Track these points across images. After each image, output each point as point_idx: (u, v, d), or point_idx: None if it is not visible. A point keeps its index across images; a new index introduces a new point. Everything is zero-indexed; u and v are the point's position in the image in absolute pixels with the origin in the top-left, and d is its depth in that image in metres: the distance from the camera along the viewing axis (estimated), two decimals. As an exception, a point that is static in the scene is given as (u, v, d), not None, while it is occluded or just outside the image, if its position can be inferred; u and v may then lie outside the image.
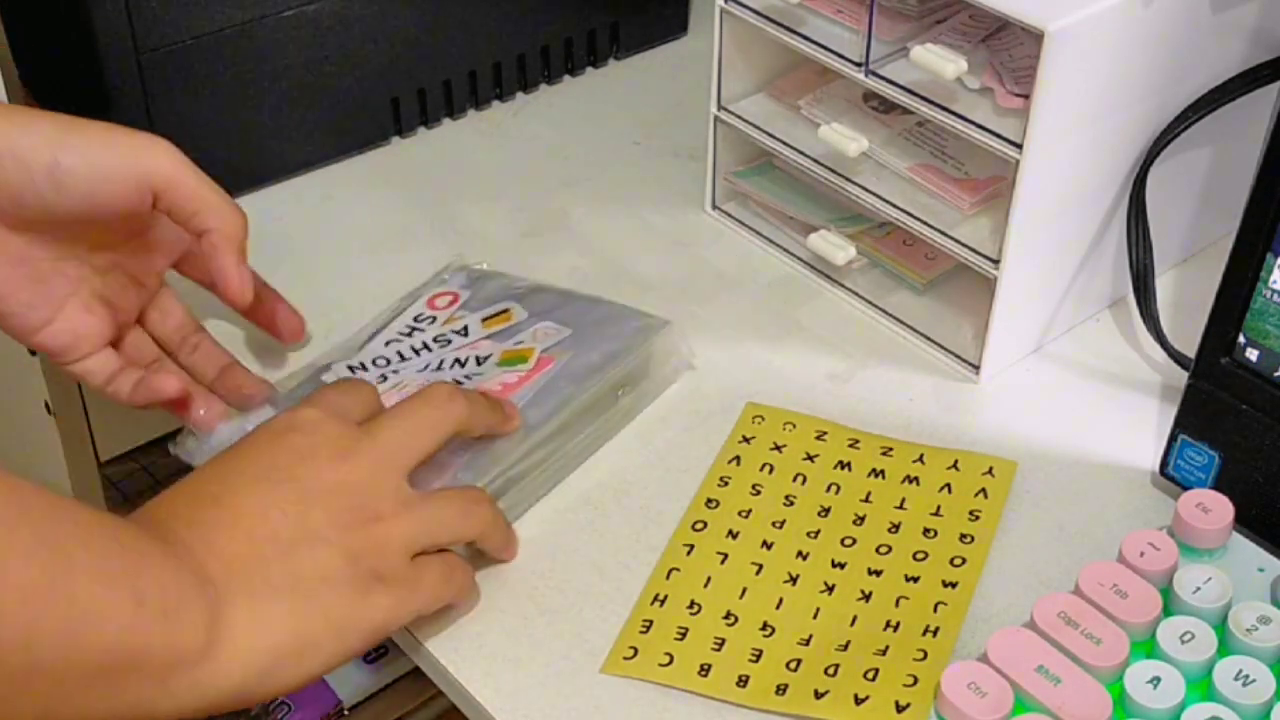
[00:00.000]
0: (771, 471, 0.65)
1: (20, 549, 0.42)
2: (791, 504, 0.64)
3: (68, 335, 0.63)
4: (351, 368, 0.68)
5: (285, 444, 0.54)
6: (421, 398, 0.58)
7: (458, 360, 0.68)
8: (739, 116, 0.76)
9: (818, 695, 0.55)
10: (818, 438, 0.67)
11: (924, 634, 0.58)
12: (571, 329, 0.69)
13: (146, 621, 0.46)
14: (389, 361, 0.68)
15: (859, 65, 0.68)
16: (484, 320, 0.71)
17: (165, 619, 0.47)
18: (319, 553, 0.52)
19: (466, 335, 0.70)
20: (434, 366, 0.68)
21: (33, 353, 0.82)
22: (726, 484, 0.65)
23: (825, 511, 0.63)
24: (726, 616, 0.59)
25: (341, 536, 0.53)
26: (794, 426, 0.67)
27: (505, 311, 0.71)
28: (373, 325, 0.72)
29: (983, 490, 0.64)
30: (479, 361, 0.68)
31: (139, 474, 1.10)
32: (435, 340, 0.70)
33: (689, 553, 0.62)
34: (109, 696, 0.46)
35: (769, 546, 0.62)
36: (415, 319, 0.71)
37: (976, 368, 0.70)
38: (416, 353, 0.69)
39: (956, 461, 0.65)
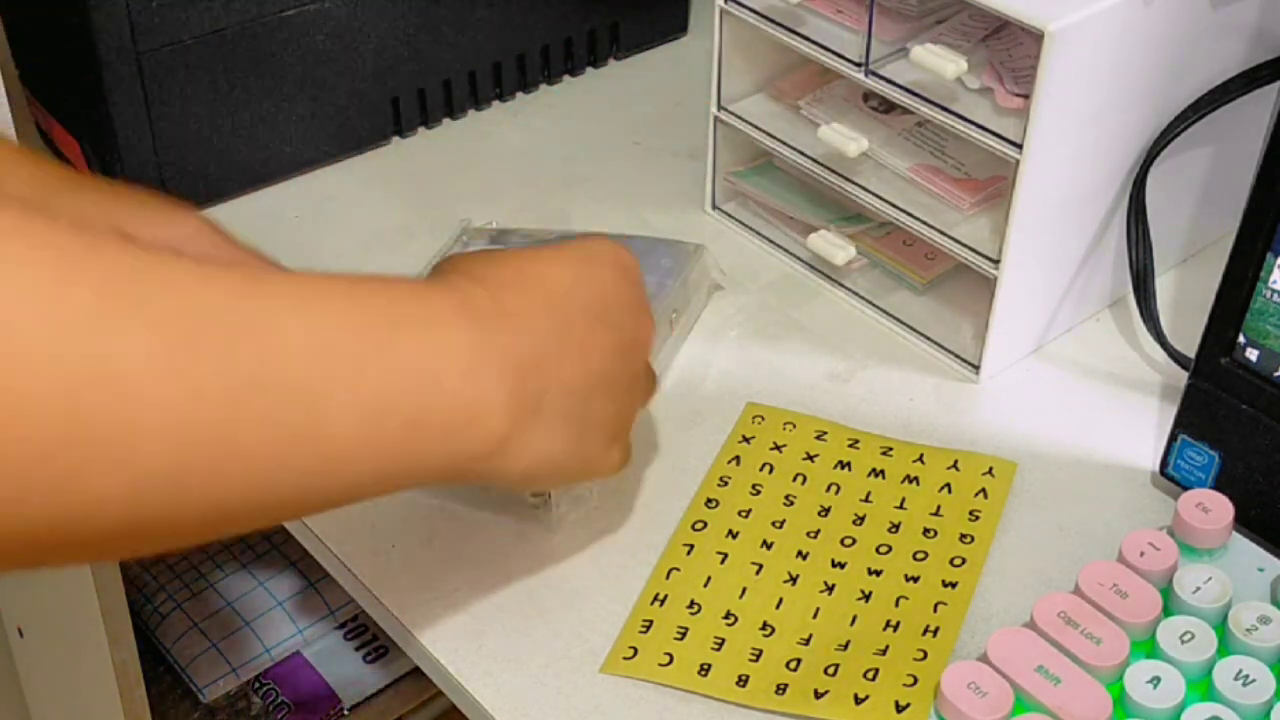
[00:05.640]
0: (771, 471, 0.65)
1: (259, 415, 0.40)
2: (791, 504, 0.64)
3: None
4: None
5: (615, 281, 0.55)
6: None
7: None
8: (739, 116, 0.76)
9: (818, 695, 0.55)
10: (818, 438, 0.67)
11: (924, 634, 0.58)
12: None
13: (427, 441, 0.46)
14: None
15: (859, 65, 0.68)
16: None
17: (451, 433, 0.47)
18: (603, 401, 0.54)
19: None
20: None
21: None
22: (726, 484, 0.65)
23: (825, 511, 0.63)
24: (726, 616, 0.59)
25: (620, 398, 0.55)
26: (794, 426, 0.67)
27: None
28: None
29: (983, 490, 0.64)
30: None
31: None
32: None
33: (689, 553, 0.62)
34: (380, 487, 0.47)
35: (769, 546, 0.62)
36: None
37: (976, 368, 0.70)
38: None
39: (956, 461, 0.65)
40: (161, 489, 0.38)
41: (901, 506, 0.63)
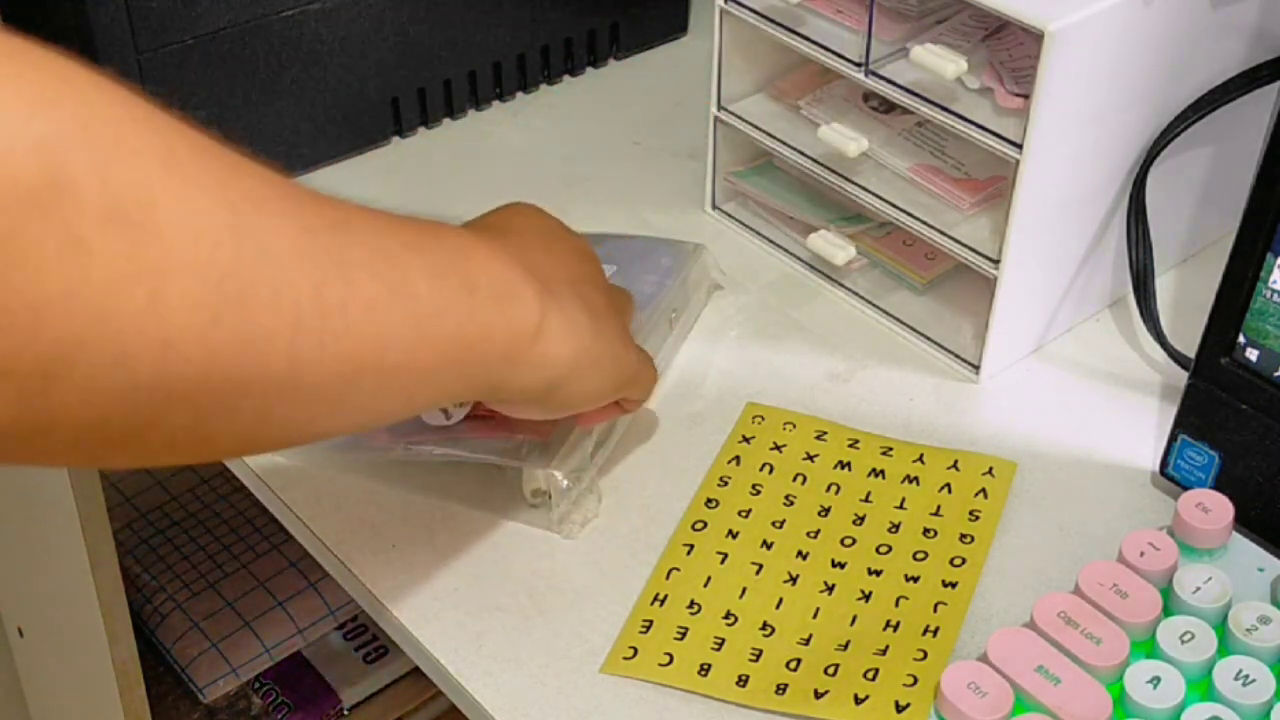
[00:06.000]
0: (771, 471, 0.65)
1: (359, 262, 0.44)
2: (791, 504, 0.64)
3: None
4: None
5: (529, 216, 0.61)
6: None
7: None
8: (739, 116, 0.76)
9: (818, 695, 0.55)
10: (818, 438, 0.67)
11: (924, 634, 0.58)
12: (616, 265, 0.72)
13: (483, 307, 0.50)
14: None
15: (859, 65, 0.68)
16: None
17: (499, 302, 0.51)
18: (596, 294, 0.57)
19: None
20: None
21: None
22: (726, 484, 0.65)
23: (825, 511, 0.63)
24: (726, 616, 0.59)
25: (606, 292, 0.59)
26: (794, 426, 0.67)
27: None
28: None
29: (983, 490, 0.64)
30: None
31: (139, 474, 1.10)
32: None
33: (689, 553, 0.62)
34: (461, 379, 0.51)
35: (769, 546, 0.62)
36: None
37: (976, 368, 0.70)
38: None
39: (956, 461, 0.65)
40: (312, 327, 0.42)
41: (901, 506, 0.63)
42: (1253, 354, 0.60)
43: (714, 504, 0.64)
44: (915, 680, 0.56)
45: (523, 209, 0.61)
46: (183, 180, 0.38)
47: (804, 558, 0.61)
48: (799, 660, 0.57)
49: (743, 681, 0.56)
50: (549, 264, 0.55)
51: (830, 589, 0.60)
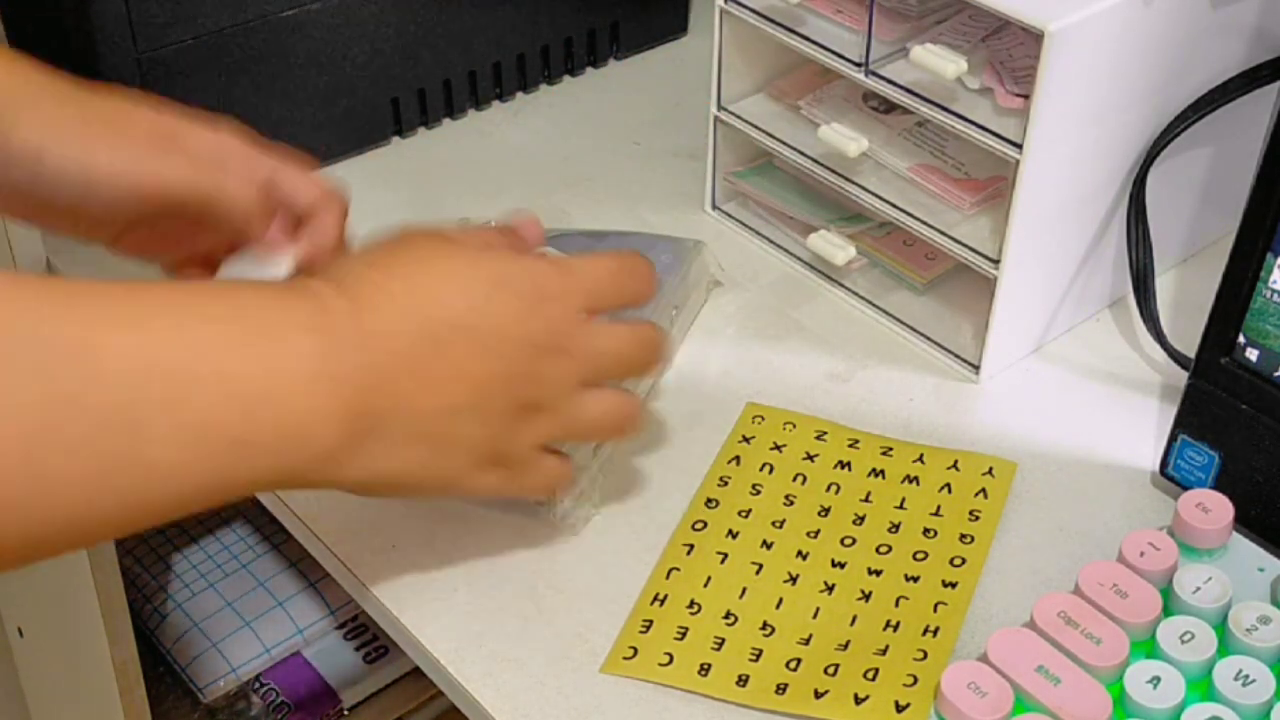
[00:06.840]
0: (771, 471, 0.65)
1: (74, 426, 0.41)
2: (791, 504, 0.64)
3: None
4: None
5: (530, 309, 0.53)
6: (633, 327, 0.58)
7: None
8: (739, 116, 0.76)
9: (818, 695, 0.55)
10: (818, 438, 0.67)
11: (924, 634, 0.58)
12: None
13: (252, 453, 0.46)
14: None
15: (859, 65, 0.68)
16: None
17: (282, 440, 0.47)
18: (476, 428, 0.53)
19: None
20: None
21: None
22: (726, 484, 0.65)
23: (825, 511, 0.63)
24: (726, 616, 0.59)
25: (501, 423, 0.53)
26: (794, 426, 0.67)
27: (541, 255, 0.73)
28: None
29: (983, 490, 0.64)
30: None
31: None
32: None
33: (689, 553, 0.62)
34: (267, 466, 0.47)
35: (769, 546, 0.62)
36: None
37: (976, 368, 0.70)
38: None
39: (956, 461, 0.65)
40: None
41: (901, 506, 0.63)
42: (1253, 354, 0.60)
43: (714, 504, 0.64)
44: (915, 680, 0.56)
45: (524, 293, 0.53)
46: None
47: (804, 558, 0.61)
48: (799, 660, 0.57)
49: (743, 681, 0.56)
50: (424, 388, 0.51)
51: (830, 589, 0.60)
